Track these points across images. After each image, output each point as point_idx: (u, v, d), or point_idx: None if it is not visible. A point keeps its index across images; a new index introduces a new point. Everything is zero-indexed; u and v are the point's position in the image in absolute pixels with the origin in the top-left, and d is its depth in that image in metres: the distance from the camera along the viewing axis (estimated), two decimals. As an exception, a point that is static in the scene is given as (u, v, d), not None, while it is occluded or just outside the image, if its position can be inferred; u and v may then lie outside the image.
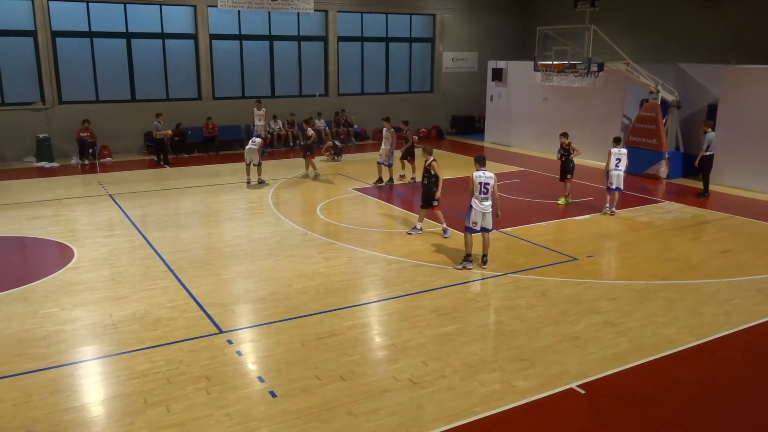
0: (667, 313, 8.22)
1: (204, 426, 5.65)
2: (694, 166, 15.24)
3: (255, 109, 20.80)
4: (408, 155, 16.19)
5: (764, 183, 15.55)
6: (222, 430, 5.59)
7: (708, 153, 14.78)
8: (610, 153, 13.20)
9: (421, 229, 11.62)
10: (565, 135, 14.04)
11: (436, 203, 11.17)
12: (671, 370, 6.85)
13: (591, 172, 17.10)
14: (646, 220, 12.96)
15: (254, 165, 15.90)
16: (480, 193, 9.53)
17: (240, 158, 17.00)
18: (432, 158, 11.14)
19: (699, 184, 15.46)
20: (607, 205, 13.32)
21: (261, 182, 16.07)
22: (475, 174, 9.56)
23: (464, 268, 9.78)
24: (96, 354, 7.06)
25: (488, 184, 9.52)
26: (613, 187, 13.16)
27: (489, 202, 9.60)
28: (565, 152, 13.93)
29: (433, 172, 11.03)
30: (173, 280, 9.28)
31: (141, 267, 9.82)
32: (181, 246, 10.96)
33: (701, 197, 14.93)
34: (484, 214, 9.60)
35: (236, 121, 21.80)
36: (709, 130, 14.80)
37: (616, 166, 13.13)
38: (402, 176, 16.55)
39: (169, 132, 19.33)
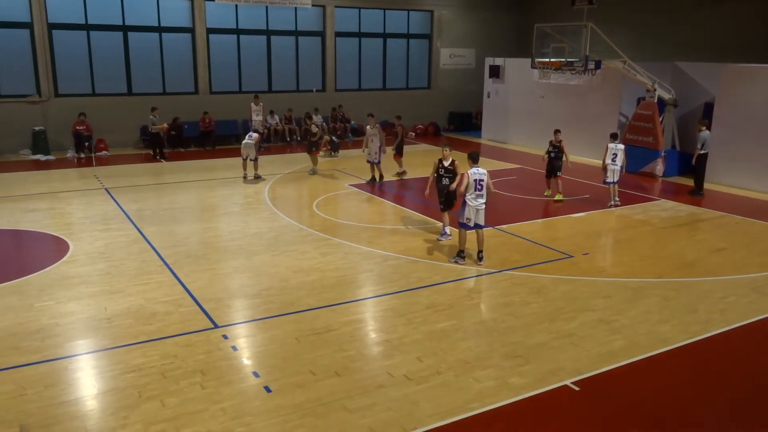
0: (661, 311, 8.25)
1: (198, 420, 5.65)
2: (692, 165, 15.24)
3: (252, 104, 20.77)
4: (397, 151, 16.14)
5: (759, 181, 15.59)
6: (216, 425, 5.59)
7: (702, 151, 14.81)
8: (607, 148, 13.39)
9: (450, 234, 11.16)
10: (559, 132, 14.10)
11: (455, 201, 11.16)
12: (665, 367, 6.87)
13: (587, 170, 17.12)
14: (641, 218, 12.99)
15: (251, 160, 15.88)
16: (475, 190, 9.62)
17: (237, 153, 16.96)
18: (452, 158, 11.05)
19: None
20: (615, 198, 13.50)
21: (257, 177, 16.04)
22: (470, 171, 9.66)
23: (456, 262, 9.86)
24: (91, 348, 7.05)
25: (482, 180, 9.65)
26: (609, 180, 13.34)
27: (483, 199, 9.70)
28: (555, 149, 13.93)
29: (456, 172, 10.87)
30: (169, 274, 9.27)
31: (136, 261, 9.81)
32: (177, 240, 10.94)
33: (695, 195, 14.96)
34: (477, 210, 9.69)
35: (233, 115, 21.75)
36: (704, 128, 14.84)
37: (613, 161, 13.26)
38: (398, 173, 16.53)
39: (165, 126, 19.30)
